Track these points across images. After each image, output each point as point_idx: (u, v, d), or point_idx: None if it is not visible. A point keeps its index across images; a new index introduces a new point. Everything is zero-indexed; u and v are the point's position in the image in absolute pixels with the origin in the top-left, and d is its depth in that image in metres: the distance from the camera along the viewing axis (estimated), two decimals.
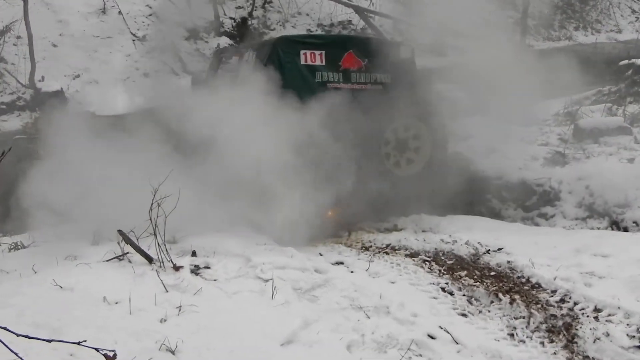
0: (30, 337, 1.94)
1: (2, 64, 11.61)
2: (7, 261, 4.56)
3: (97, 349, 1.78)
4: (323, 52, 6.35)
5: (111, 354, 1.79)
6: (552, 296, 4.58)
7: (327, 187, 5.79)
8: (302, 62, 6.25)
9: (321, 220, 5.97)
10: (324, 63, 6.34)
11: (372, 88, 6.48)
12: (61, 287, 3.90)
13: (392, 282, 4.77)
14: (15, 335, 1.96)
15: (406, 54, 6.91)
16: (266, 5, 15.64)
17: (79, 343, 1.80)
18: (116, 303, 3.79)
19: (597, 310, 4.33)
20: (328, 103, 5.83)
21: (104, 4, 13.74)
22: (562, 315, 4.36)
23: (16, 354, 1.89)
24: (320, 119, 5.69)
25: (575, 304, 4.45)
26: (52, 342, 2.99)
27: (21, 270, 4.22)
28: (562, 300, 4.51)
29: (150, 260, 4.47)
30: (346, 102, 5.91)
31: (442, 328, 4.11)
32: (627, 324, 4.11)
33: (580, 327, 4.20)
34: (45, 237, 5.31)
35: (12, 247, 5.05)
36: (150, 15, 14.28)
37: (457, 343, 3.99)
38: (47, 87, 11.14)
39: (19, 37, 12.07)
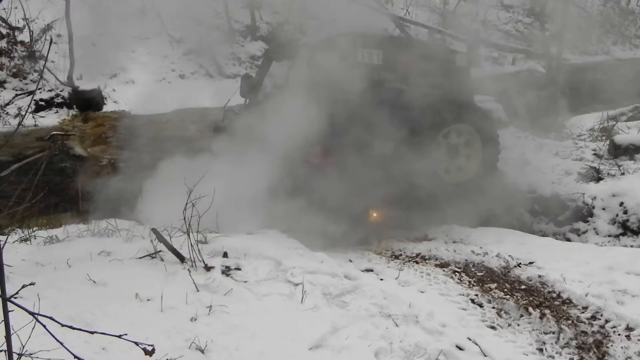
0: (74, 328, 1.99)
1: (43, 61, 11.83)
2: (42, 254, 4.62)
3: (136, 343, 1.82)
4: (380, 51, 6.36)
5: (150, 348, 1.82)
6: (583, 312, 4.52)
7: (371, 190, 5.79)
8: (360, 59, 6.27)
9: (354, 226, 6.01)
10: (381, 63, 6.35)
11: (429, 92, 6.47)
12: (94, 282, 3.96)
13: (422, 292, 4.75)
14: (59, 325, 2.00)
15: (462, 63, 6.95)
16: (304, 11, 15.71)
17: (119, 336, 1.84)
18: (148, 300, 3.83)
19: (629, 329, 4.27)
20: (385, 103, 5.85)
21: (143, 5, 13.94)
22: (592, 332, 4.31)
23: (61, 343, 1.93)
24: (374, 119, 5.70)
25: (607, 321, 4.39)
26: (85, 335, 3.08)
27: (56, 264, 4.29)
28: (594, 317, 4.45)
29: (182, 259, 4.51)
30: (402, 103, 5.94)
31: (470, 339, 4.09)
32: None
33: (612, 345, 4.15)
34: (79, 232, 5.40)
35: (47, 240, 5.14)
36: (188, 17, 14.46)
37: (485, 355, 3.97)
38: (84, 85, 11.34)
39: (59, 36, 12.30)
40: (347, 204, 5.76)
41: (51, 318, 1.90)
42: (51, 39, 5.97)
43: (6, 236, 5.34)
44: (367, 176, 5.69)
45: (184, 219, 4.42)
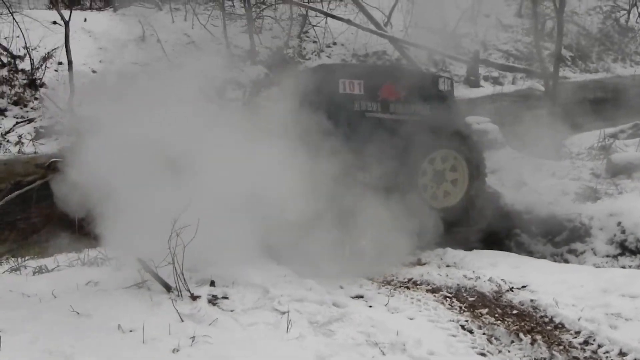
0: None
1: (43, 89, 11.94)
2: (29, 284, 4.62)
3: None
4: (362, 81, 6.39)
5: None
6: (575, 337, 4.44)
7: (358, 218, 5.80)
8: (341, 90, 6.30)
9: (346, 252, 5.97)
10: (362, 92, 6.38)
11: (410, 119, 6.50)
12: (78, 314, 3.94)
13: (411, 319, 4.68)
14: None
15: (445, 87, 6.95)
16: (302, 35, 15.82)
17: None
18: (130, 331, 3.80)
19: (622, 354, 4.18)
20: (365, 132, 5.86)
21: (143, 32, 14.08)
22: (585, 357, 4.23)
23: None
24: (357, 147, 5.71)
25: (600, 346, 4.30)
26: None
27: (41, 295, 4.28)
28: (586, 342, 4.37)
29: (168, 288, 4.48)
30: (383, 132, 5.94)
31: None
32: None
33: None
34: (69, 262, 5.39)
35: (36, 270, 5.13)
36: (188, 43, 14.58)
37: None
38: (84, 112, 11.39)
39: (60, 64, 12.43)
40: (338, 231, 5.74)
41: None
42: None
43: None
44: (353, 204, 5.69)
45: (169, 248, 4.39)
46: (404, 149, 6.14)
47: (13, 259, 5.97)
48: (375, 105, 6.40)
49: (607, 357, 4.21)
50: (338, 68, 6.88)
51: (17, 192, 8.64)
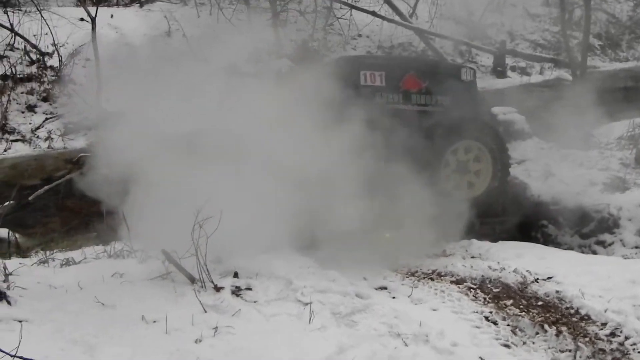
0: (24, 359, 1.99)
1: (71, 85, 12.09)
2: (57, 276, 4.68)
3: None
4: (383, 73, 6.37)
5: None
6: (601, 329, 4.38)
7: (384, 209, 5.78)
8: (362, 82, 6.30)
9: (371, 244, 5.96)
10: (383, 84, 6.37)
11: (432, 110, 6.48)
12: (103, 305, 4.00)
13: (434, 310, 4.66)
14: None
15: (467, 76, 6.89)
16: (327, 27, 15.77)
17: None
18: (154, 322, 3.84)
19: None
20: (387, 124, 5.84)
21: (169, 27, 14.16)
22: (611, 350, 4.17)
23: None
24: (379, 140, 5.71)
25: (627, 338, 4.24)
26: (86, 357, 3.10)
27: (68, 287, 4.34)
28: (613, 334, 4.31)
29: (192, 280, 4.52)
30: (406, 123, 5.92)
31: (482, 359, 3.99)
32: None
33: None
34: (95, 254, 5.46)
35: (63, 263, 5.20)
36: (213, 38, 14.62)
37: None
38: (112, 107, 11.52)
39: (87, 60, 12.57)
40: (364, 222, 5.73)
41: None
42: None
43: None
44: (379, 195, 5.67)
45: (192, 239, 4.42)
46: (426, 140, 6.10)
47: (42, 252, 6.06)
48: (397, 97, 6.37)
49: (634, 349, 4.15)
50: (359, 60, 6.85)
51: (46, 187, 8.80)
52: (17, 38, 12.67)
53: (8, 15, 12.63)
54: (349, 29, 15.52)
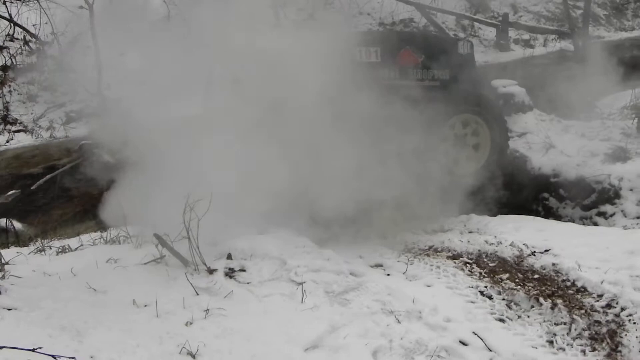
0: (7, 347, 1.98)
1: (72, 73, 12.07)
2: (52, 264, 4.69)
3: (54, 357, 1.79)
4: (378, 49, 6.32)
5: None
6: (597, 301, 4.34)
7: (383, 185, 5.75)
8: (358, 58, 6.25)
9: (369, 220, 5.94)
10: (379, 60, 6.31)
11: (429, 84, 6.42)
12: (95, 290, 4.00)
13: (429, 286, 4.65)
14: None
15: (464, 49, 6.82)
16: (327, 6, 15.63)
17: (34, 350, 1.82)
18: (145, 306, 3.85)
19: None
20: (384, 100, 5.80)
21: (169, 11, 14.08)
22: (607, 321, 4.14)
23: None
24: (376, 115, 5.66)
25: (622, 309, 4.20)
26: (74, 344, 3.11)
27: (61, 274, 4.35)
28: (609, 306, 4.27)
29: (186, 263, 4.52)
30: (403, 98, 5.87)
31: (475, 334, 3.98)
32: None
33: (626, 335, 3.98)
34: (92, 241, 5.47)
35: (59, 250, 5.22)
36: (213, 20, 14.52)
37: (490, 350, 3.86)
38: (113, 94, 11.51)
39: (87, 47, 12.54)
40: (360, 200, 5.70)
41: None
42: None
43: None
44: (377, 171, 5.63)
45: (184, 222, 4.41)
46: (423, 115, 6.04)
47: (40, 241, 6.08)
48: (393, 73, 6.31)
49: (630, 320, 4.11)
50: (354, 36, 6.76)
51: (47, 177, 8.82)
52: (17, 28, 12.65)
53: (7, 6, 12.61)
54: (349, 7, 15.37)
